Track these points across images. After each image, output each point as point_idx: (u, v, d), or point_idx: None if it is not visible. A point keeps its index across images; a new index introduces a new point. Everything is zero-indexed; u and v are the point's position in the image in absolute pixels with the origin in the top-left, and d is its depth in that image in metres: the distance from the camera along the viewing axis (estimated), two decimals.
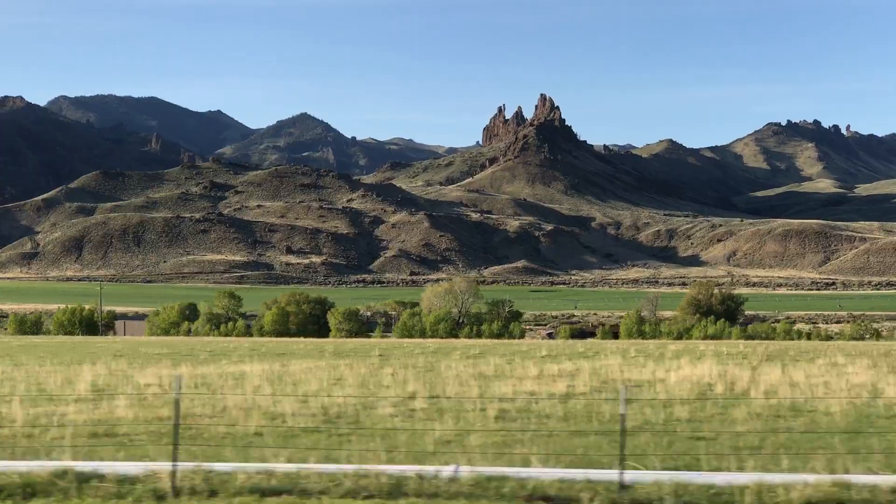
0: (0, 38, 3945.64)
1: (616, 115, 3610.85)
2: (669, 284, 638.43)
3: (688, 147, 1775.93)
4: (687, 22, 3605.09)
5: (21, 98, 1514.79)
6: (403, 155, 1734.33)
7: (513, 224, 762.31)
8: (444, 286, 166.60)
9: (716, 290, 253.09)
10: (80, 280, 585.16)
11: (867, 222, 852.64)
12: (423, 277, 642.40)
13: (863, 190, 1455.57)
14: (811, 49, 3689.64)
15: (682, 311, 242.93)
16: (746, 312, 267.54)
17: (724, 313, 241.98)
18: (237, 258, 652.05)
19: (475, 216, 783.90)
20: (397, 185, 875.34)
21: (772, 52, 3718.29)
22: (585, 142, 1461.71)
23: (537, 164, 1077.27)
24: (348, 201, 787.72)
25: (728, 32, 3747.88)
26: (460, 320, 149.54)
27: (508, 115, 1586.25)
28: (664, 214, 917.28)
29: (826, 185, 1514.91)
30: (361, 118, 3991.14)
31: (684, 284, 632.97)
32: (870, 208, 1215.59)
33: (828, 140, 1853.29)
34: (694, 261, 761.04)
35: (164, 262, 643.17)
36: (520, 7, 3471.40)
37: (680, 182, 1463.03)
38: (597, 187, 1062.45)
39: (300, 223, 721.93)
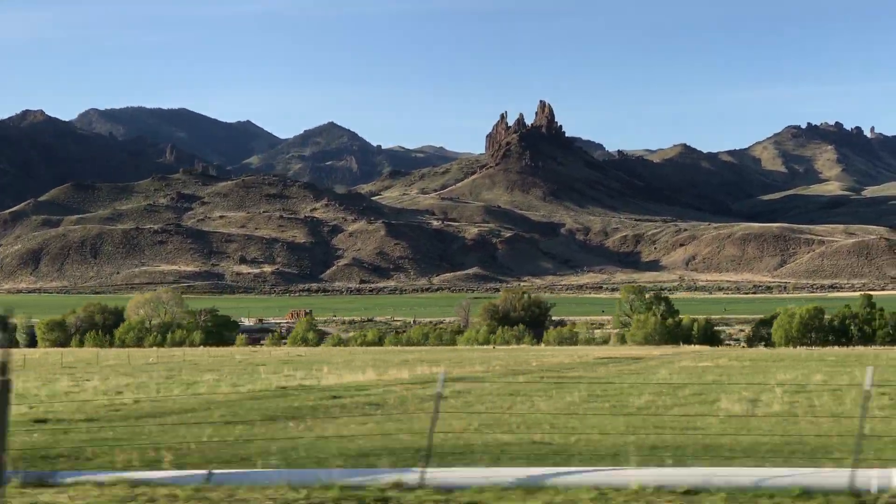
0: (28, 53, 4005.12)
1: (636, 120, 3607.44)
2: (613, 290, 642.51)
3: (704, 151, 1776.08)
4: (711, 25, 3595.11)
5: (41, 112, 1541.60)
6: (429, 163, 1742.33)
7: (472, 231, 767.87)
8: (147, 295, 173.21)
9: (525, 297, 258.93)
10: (29, 292, 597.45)
11: (832, 225, 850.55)
12: (372, 286, 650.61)
13: (870, 192, 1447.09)
14: (837, 50, 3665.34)
15: (481, 318, 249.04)
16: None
17: (528, 319, 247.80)
18: (190, 269, 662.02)
19: (437, 224, 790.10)
20: (363, 195, 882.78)
21: (797, 55, 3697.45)
22: (582, 149, 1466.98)
23: (517, 171, 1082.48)
24: (312, 211, 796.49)
25: (752, 35, 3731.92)
26: (149, 328, 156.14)
27: (510, 121, 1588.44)
28: (635, 220, 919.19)
29: (833, 188, 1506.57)
30: (391, 127, 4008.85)
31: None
32: (867, 210, 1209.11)
33: (849, 142, 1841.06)
34: (653, 265, 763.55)
35: (118, 273, 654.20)
36: (541, 14, 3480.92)
37: (682, 187, 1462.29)
38: (577, 193, 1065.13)
39: (259, 233, 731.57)
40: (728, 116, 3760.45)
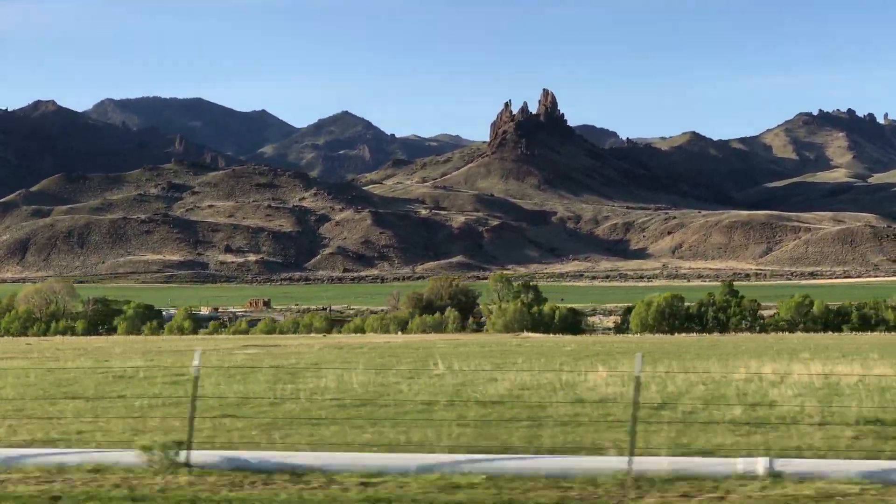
0: (45, 43, 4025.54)
1: (650, 108, 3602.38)
2: (602, 277, 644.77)
3: (714, 139, 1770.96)
4: (729, 11, 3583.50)
5: (53, 102, 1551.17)
6: (442, 151, 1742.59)
7: (458, 220, 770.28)
8: (38, 286, 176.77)
9: (452, 285, 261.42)
10: (14, 281, 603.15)
11: (821, 213, 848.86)
12: (356, 274, 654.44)
13: (876, 179, 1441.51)
14: (850, 37, 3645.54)
15: (405, 306, 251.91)
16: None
17: (458, 306, 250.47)
18: (175, 258, 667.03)
19: (425, 212, 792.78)
20: (353, 184, 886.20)
21: (811, 42, 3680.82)
22: (583, 137, 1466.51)
23: (513, 159, 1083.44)
24: (300, 200, 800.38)
25: (767, 22, 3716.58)
26: (39, 317, 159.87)
27: (515, 109, 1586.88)
28: (626, 208, 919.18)
29: (839, 175, 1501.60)
30: (407, 116, 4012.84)
31: (608, 277, 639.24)
32: (868, 198, 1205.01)
33: (861, 129, 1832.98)
34: (641, 253, 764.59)
35: (103, 263, 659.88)
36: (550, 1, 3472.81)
37: (689, 175, 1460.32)
38: (572, 182, 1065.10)
39: (246, 222, 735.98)
40: (741, 104, 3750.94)
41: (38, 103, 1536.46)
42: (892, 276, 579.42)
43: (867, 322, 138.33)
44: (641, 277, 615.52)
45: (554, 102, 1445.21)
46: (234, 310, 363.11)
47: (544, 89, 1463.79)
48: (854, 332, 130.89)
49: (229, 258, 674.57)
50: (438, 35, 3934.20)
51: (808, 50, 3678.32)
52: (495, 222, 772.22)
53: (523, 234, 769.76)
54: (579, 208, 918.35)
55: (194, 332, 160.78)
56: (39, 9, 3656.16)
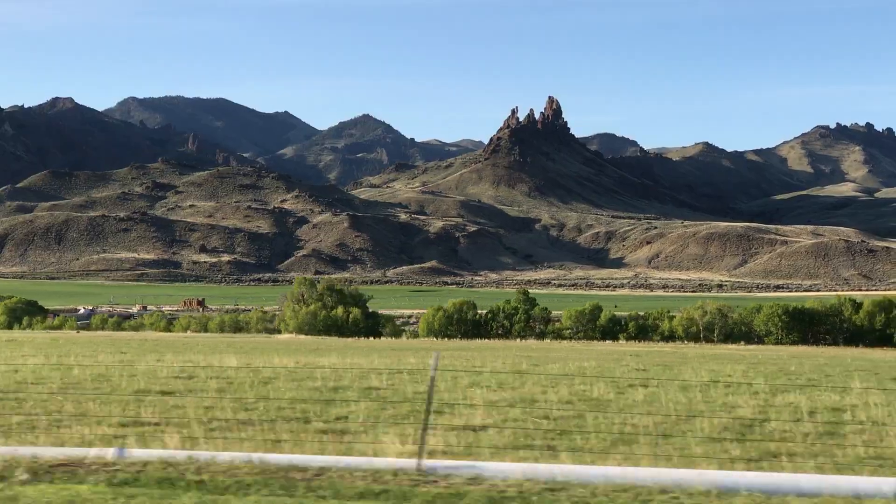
0: (69, 42, 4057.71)
1: (670, 119, 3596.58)
2: (569, 285, 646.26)
3: (729, 150, 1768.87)
4: (755, 24, 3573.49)
5: (70, 100, 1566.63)
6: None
7: (436, 225, 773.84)
8: None
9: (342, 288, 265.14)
10: None
11: (801, 226, 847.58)
12: (327, 277, 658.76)
13: (884, 193, 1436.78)
14: (870, 50, 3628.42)
15: (286, 307, 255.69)
16: None
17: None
18: (149, 256, 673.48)
19: (404, 217, 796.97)
20: (337, 187, 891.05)
21: (831, 54, 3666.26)
22: (585, 145, 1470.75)
23: (505, 166, 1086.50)
24: (282, 202, 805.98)
25: (788, 35, 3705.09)
26: None
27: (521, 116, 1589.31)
28: (611, 217, 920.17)
29: (846, 189, 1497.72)
30: (429, 120, 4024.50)
31: (578, 286, 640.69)
32: (865, 212, 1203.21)
33: (879, 143, 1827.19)
34: (618, 262, 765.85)
35: (78, 259, 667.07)
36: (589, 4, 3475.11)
37: (697, 185, 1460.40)
38: (563, 190, 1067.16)
39: (224, 223, 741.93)
40: (761, 116, 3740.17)
41: (55, 100, 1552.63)
42: (851, 290, 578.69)
43: (644, 331, 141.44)
44: (607, 286, 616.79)
45: (558, 110, 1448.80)
46: (167, 308, 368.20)
47: (549, 97, 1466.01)
48: (615, 342, 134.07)
49: (203, 258, 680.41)
50: (465, 40, 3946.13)
51: (828, 63, 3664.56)
52: (473, 228, 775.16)
53: (500, 241, 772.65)
54: (564, 216, 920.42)
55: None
56: (64, 7, 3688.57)
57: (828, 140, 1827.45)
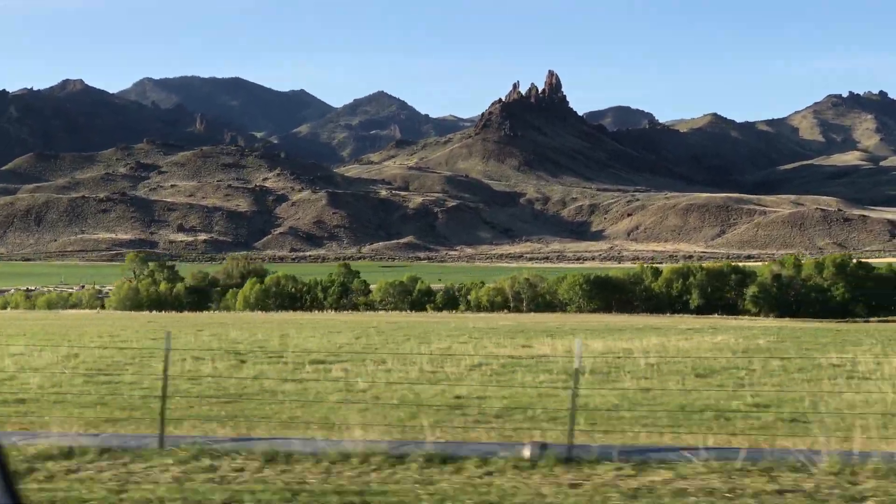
0: (86, 22, 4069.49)
1: (681, 92, 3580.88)
2: (541, 259, 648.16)
3: (740, 122, 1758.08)
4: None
5: (81, 81, 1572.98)
6: None
7: (416, 201, 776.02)
8: None
9: (246, 265, 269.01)
10: None
11: (784, 195, 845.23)
12: (299, 254, 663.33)
13: (890, 161, 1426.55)
14: (887, 17, 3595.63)
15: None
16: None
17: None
18: (127, 237, 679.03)
19: (384, 193, 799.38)
20: (320, 164, 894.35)
21: (848, 22, 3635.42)
22: (583, 118, 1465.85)
23: (495, 140, 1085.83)
24: (264, 180, 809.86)
25: (806, 4, 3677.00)
26: None
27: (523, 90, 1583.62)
28: (595, 190, 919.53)
29: (851, 158, 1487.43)
30: (445, 96, 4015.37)
31: (550, 259, 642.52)
32: (865, 181, 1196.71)
33: (892, 111, 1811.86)
34: (598, 235, 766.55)
35: (56, 241, 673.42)
36: None
37: (698, 157, 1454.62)
38: (553, 164, 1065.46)
39: (205, 202, 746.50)
40: (774, 87, 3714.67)
41: (66, 82, 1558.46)
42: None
43: (454, 302, 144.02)
44: (578, 259, 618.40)
45: (558, 84, 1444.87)
46: (109, 287, 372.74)
47: (549, 71, 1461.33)
48: (423, 312, 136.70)
49: (180, 237, 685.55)
50: (482, 14, 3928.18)
51: (844, 29, 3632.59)
52: (452, 203, 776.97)
53: (479, 216, 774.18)
54: (550, 190, 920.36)
55: None
56: None
57: (840, 109, 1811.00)
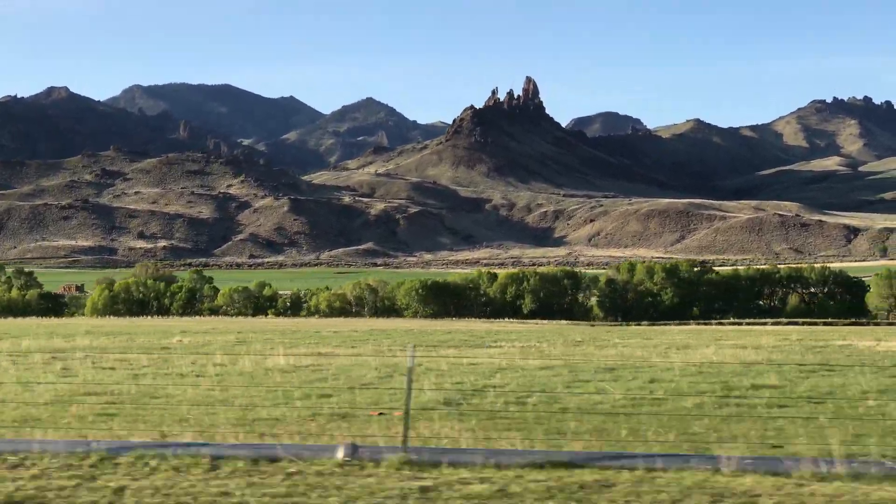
0: (73, 29, 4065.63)
1: (667, 97, 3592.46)
2: (497, 265, 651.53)
3: (723, 127, 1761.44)
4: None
5: (65, 89, 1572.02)
6: None
7: (378, 207, 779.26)
8: None
9: (155, 272, 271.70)
10: None
11: (746, 201, 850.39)
12: (257, 261, 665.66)
13: (869, 167, 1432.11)
14: (869, 22, 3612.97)
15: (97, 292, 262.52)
16: None
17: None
18: (87, 244, 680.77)
19: (347, 200, 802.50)
20: (285, 171, 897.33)
21: (828, 27, 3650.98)
22: (558, 124, 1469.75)
23: (465, 147, 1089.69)
24: (228, 187, 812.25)
25: (787, 7, 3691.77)
26: None
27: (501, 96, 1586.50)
28: (561, 196, 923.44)
29: (831, 163, 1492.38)
30: (434, 102, 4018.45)
31: (505, 265, 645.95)
32: (843, 186, 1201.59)
33: (876, 116, 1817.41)
34: (560, 241, 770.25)
35: (15, 248, 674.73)
36: None
37: (680, 164, 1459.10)
38: (523, 170, 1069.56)
39: (167, 209, 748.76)
40: (758, 92, 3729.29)
41: (51, 90, 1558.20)
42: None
43: (298, 306, 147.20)
44: (533, 265, 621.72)
45: (535, 90, 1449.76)
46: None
47: (527, 77, 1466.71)
48: (262, 317, 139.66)
49: (140, 244, 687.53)
50: (472, 21, 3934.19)
51: (825, 36, 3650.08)
52: (414, 210, 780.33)
53: (441, 222, 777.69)
54: (516, 196, 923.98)
55: None
56: None
57: (824, 114, 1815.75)
